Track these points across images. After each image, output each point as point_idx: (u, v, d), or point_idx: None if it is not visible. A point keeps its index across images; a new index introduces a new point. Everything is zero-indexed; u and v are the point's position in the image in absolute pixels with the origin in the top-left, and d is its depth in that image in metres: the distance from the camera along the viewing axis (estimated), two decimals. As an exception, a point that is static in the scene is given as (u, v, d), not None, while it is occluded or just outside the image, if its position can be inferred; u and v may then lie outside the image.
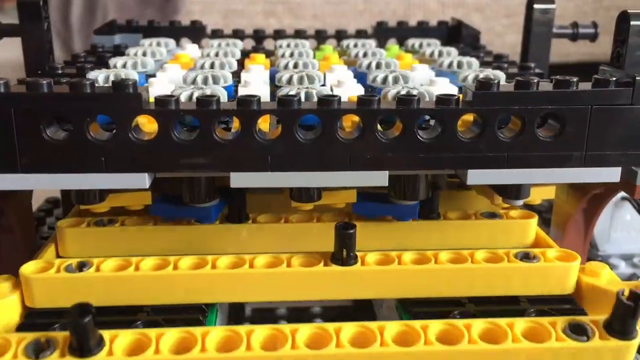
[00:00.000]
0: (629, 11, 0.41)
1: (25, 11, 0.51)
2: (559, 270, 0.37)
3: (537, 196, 0.41)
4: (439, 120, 0.35)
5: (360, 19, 1.31)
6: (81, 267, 0.36)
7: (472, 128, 0.35)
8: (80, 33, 1.29)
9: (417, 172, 0.37)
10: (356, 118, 0.35)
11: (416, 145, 0.35)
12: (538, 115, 0.35)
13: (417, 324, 0.32)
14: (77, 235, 0.41)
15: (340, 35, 0.66)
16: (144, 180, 0.35)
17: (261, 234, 0.42)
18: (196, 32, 0.66)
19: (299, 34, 0.65)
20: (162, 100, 0.33)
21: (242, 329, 0.31)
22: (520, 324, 0.32)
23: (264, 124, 0.36)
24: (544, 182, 0.40)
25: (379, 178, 0.35)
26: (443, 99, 0.34)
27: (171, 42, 0.58)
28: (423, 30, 0.66)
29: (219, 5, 1.29)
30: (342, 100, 0.35)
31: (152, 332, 0.31)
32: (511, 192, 0.39)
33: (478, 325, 0.32)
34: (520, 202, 0.40)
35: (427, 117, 0.36)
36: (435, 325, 0.32)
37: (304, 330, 0.32)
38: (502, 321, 0.32)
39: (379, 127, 0.35)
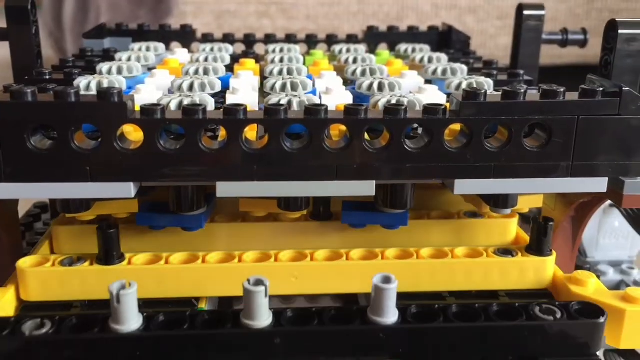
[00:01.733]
0: (617, 20, 0.41)
1: (13, 15, 0.50)
2: (499, 225, 0.44)
3: (524, 204, 0.41)
4: (426, 129, 0.35)
5: (354, 20, 1.31)
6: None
7: (459, 138, 0.35)
8: (72, 33, 1.28)
9: (404, 182, 0.37)
10: (343, 127, 0.35)
11: (403, 155, 0.34)
12: (525, 125, 0.35)
13: (377, 250, 0.40)
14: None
15: (331, 39, 0.66)
16: (129, 189, 0.34)
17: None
18: (186, 36, 0.66)
19: (290, 39, 0.65)
20: (147, 110, 0.33)
21: (236, 252, 0.39)
22: (460, 250, 0.40)
23: (250, 132, 0.36)
24: (531, 192, 0.40)
25: (366, 188, 0.35)
26: (430, 109, 0.34)
27: (161, 46, 0.58)
28: (414, 35, 0.66)
29: (212, 6, 1.28)
30: (330, 108, 0.34)
31: (163, 254, 0.39)
32: (498, 201, 0.39)
33: (426, 251, 0.40)
34: (508, 211, 0.40)
35: (415, 126, 0.36)
36: (391, 251, 0.40)
37: (286, 253, 0.39)
38: (446, 248, 0.40)
39: (366, 136, 0.34)
